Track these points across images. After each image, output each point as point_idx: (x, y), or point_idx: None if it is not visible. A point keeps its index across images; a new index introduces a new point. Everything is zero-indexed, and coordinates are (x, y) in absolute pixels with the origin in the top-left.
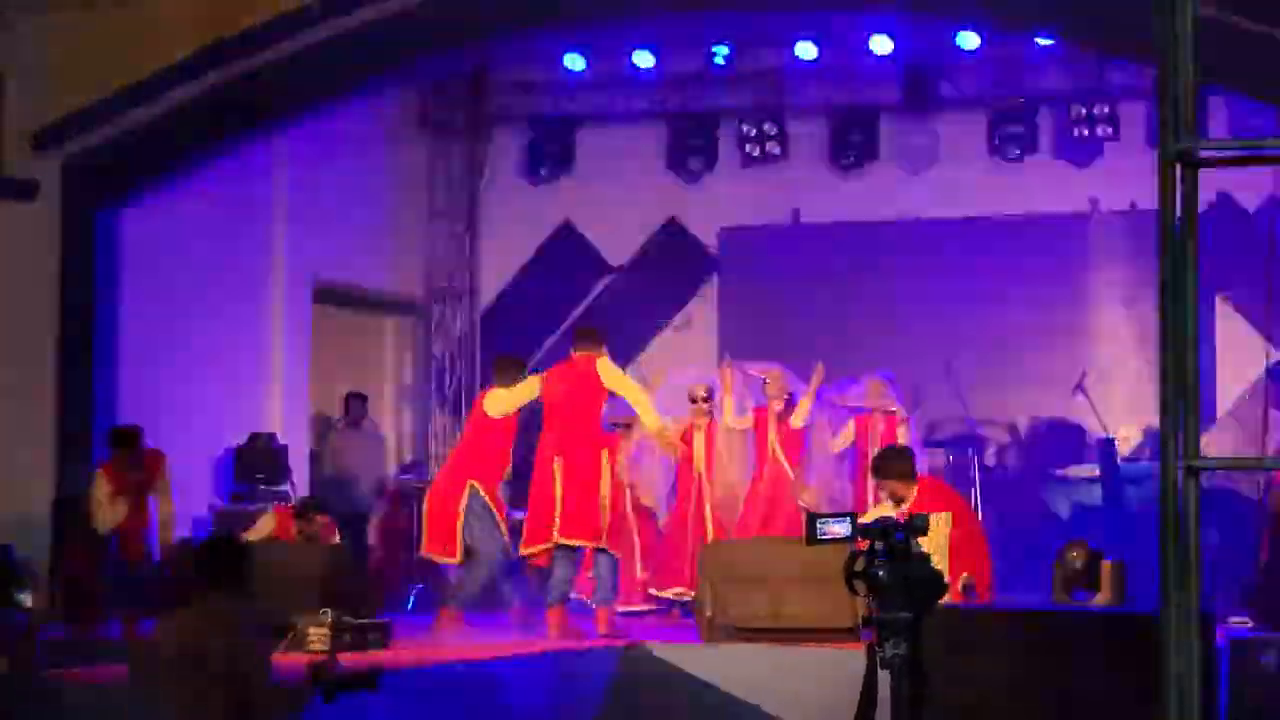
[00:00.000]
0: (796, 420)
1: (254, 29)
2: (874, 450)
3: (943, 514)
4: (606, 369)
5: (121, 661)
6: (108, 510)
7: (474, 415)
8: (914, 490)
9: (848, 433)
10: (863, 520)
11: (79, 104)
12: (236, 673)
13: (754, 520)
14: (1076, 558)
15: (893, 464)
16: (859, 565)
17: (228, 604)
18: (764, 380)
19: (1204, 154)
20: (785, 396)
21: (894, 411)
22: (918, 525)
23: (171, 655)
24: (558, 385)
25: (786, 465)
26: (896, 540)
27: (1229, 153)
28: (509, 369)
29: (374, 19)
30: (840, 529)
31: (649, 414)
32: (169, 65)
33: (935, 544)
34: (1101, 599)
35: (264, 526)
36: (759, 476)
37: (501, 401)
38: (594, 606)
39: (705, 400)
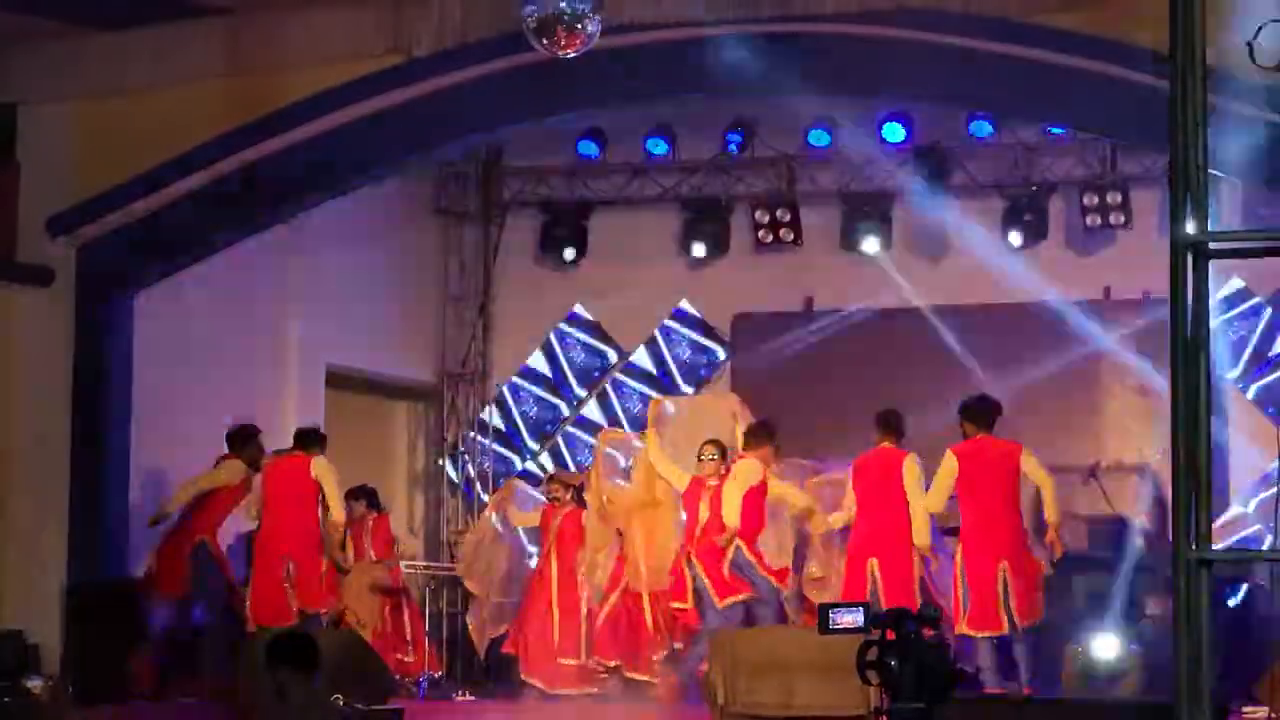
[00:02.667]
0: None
1: (268, 117)
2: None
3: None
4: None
5: None
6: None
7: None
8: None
9: (845, 514)
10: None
11: (93, 191)
12: None
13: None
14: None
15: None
16: (871, 655)
17: (325, 692)
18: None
19: (1215, 245)
20: (721, 469)
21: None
22: (928, 616)
23: None
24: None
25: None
26: (908, 630)
27: (1240, 244)
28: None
29: (387, 107)
30: (852, 619)
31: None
32: (183, 153)
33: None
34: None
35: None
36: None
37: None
38: None
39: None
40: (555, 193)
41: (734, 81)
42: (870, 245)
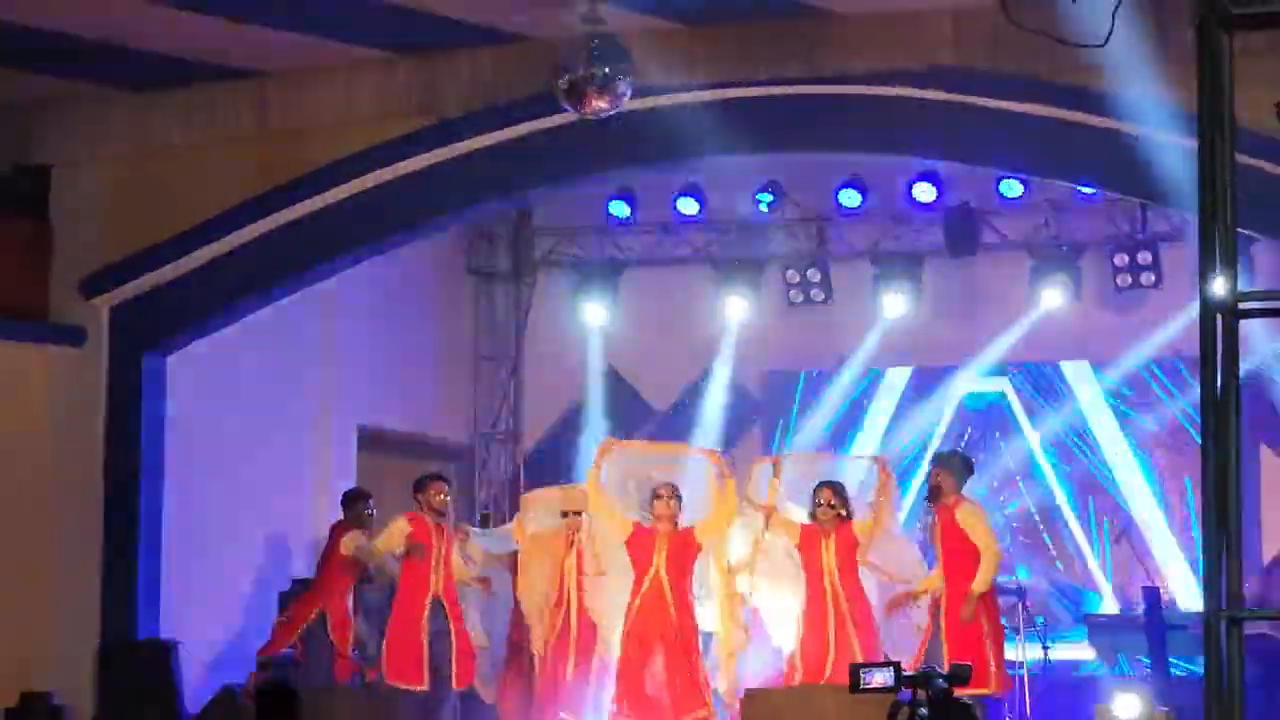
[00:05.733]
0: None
1: (299, 179)
2: (830, 558)
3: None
4: None
5: None
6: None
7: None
8: (951, 498)
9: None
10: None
11: (126, 252)
12: None
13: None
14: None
15: (951, 459)
16: (903, 715)
17: None
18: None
19: (1246, 305)
20: (676, 507)
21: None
22: (959, 675)
23: None
24: None
25: (667, 583)
26: (939, 688)
27: (1271, 304)
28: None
29: (418, 169)
30: (883, 678)
31: None
32: (215, 214)
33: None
34: None
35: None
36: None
37: None
38: None
39: (577, 514)
40: (586, 252)
41: (763, 142)
42: (900, 305)
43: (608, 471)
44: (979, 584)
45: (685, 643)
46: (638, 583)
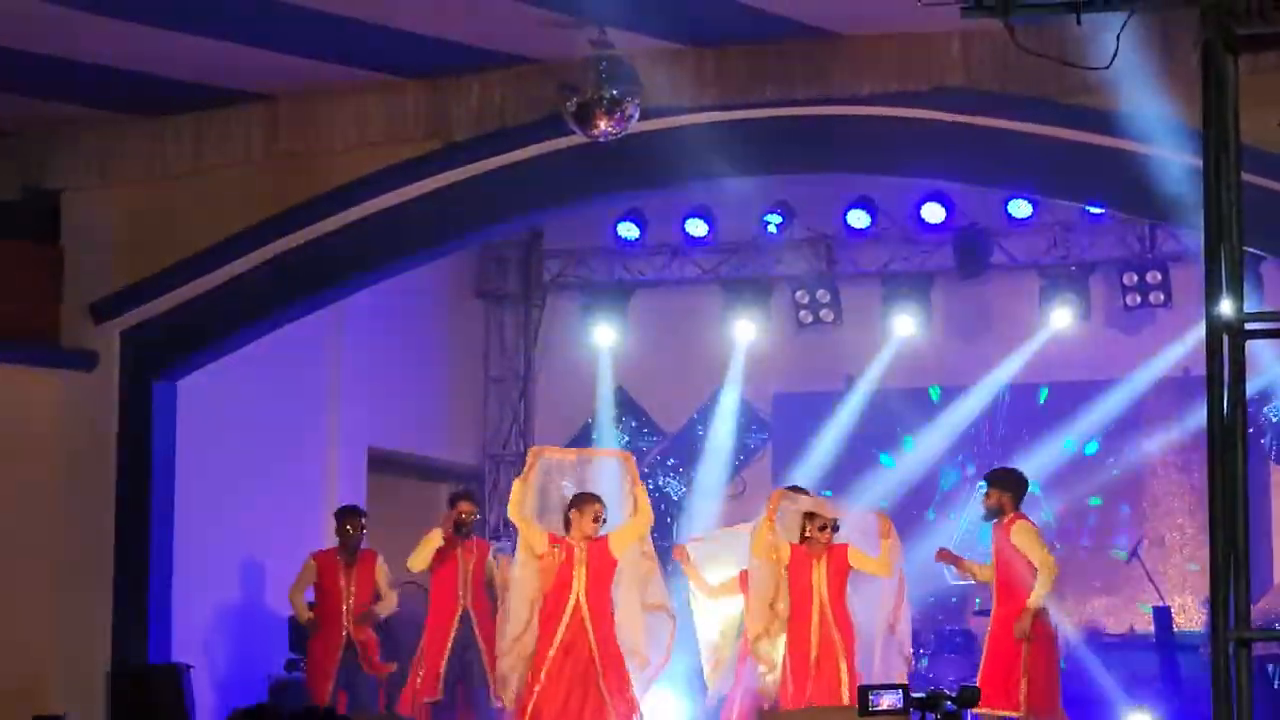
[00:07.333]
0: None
1: (309, 202)
2: (822, 584)
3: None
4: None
5: None
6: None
7: None
8: (1006, 517)
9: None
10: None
11: (136, 276)
12: None
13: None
14: None
15: (1008, 478)
16: None
17: None
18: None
19: (1252, 325)
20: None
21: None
22: (967, 696)
23: None
24: None
25: (587, 612)
26: (948, 710)
27: (1277, 324)
28: None
29: (428, 192)
30: (892, 700)
31: None
32: (225, 238)
33: None
34: None
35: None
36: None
37: None
38: None
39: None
40: (595, 274)
41: (771, 163)
42: (910, 325)
43: (537, 481)
44: (1035, 599)
45: (612, 676)
46: (558, 610)
